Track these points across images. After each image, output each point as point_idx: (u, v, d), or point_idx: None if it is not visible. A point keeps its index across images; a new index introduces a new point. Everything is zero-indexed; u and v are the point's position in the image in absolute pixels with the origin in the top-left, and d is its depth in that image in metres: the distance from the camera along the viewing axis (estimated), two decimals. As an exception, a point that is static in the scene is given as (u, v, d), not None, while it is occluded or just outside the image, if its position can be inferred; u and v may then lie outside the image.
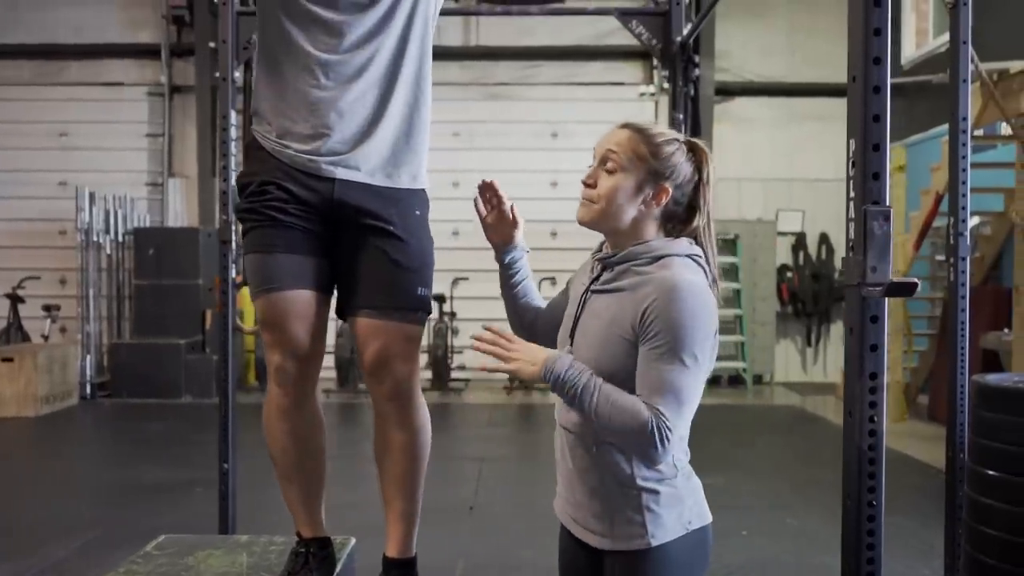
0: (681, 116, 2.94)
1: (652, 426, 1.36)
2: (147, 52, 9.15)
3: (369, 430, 2.14)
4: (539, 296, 1.78)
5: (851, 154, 1.34)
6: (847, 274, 1.33)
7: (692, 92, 2.95)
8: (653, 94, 9.16)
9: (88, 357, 7.98)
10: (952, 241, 2.94)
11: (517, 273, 1.75)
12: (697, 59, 2.79)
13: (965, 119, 2.97)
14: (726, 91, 9.13)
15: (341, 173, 1.91)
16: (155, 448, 5.93)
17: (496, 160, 8.65)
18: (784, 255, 9.19)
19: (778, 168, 9.14)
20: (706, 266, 1.50)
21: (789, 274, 9.17)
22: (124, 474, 5.06)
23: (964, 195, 2.95)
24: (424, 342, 8.41)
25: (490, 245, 1.75)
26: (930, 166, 6.40)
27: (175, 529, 4.03)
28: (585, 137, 9.14)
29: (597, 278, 1.54)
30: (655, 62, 8.82)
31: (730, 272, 8.78)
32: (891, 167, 5.90)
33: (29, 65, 9.15)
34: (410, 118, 1.99)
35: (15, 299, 8.09)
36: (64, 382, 7.36)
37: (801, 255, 9.21)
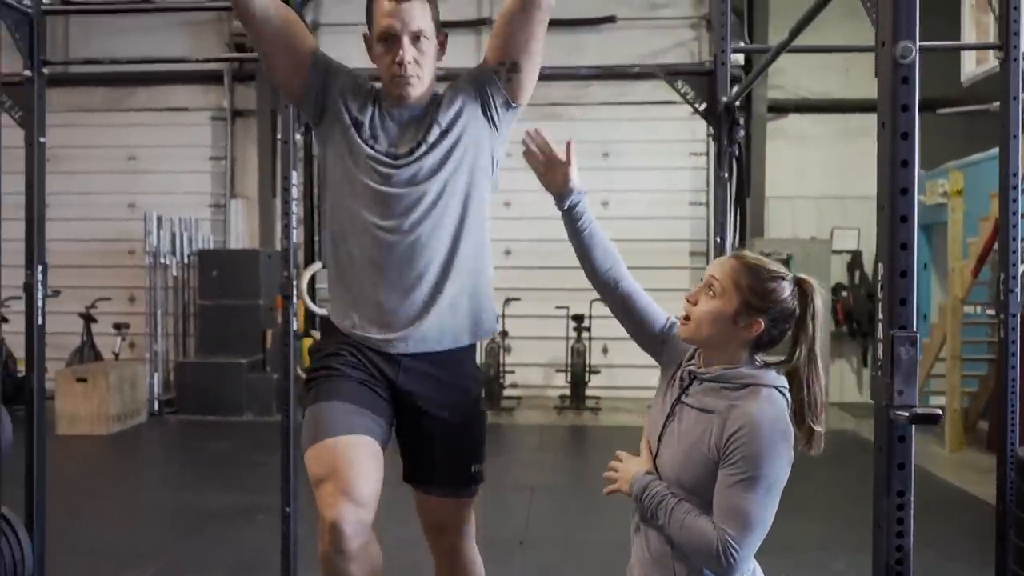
0: (726, 175, 2.99)
1: (718, 548, 1.51)
2: (211, 78, 9.50)
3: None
4: (611, 246, 1.84)
5: (880, 279, 1.41)
6: (875, 394, 1.40)
7: (737, 152, 2.99)
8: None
9: (156, 375, 8.33)
10: (1002, 298, 2.94)
11: (580, 219, 1.84)
12: (742, 120, 2.84)
13: (1016, 175, 2.96)
14: (779, 108, 9.07)
15: (403, 347, 2.08)
16: (218, 468, 6.17)
17: (547, 180, 8.73)
18: (839, 274, 9.07)
19: (832, 186, 9.03)
20: (800, 395, 1.62)
21: (844, 293, 9.05)
22: (190, 498, 5.29)
23: (1015, 251, 2.94)
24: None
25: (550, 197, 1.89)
26: (989, 193, 6.28)
27: (240, 558, 4.21)
28: (635, 156, 9.18)
29: (687, 387, 1.66)
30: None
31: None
32: (948, 190, 5.80)
33: (101, 92, 9.58)
34: (476, 276, 2.14)
35: (88, 319, 8.47)
36: (134, 400, 7.69)
37: (857, 274, 9.08)
